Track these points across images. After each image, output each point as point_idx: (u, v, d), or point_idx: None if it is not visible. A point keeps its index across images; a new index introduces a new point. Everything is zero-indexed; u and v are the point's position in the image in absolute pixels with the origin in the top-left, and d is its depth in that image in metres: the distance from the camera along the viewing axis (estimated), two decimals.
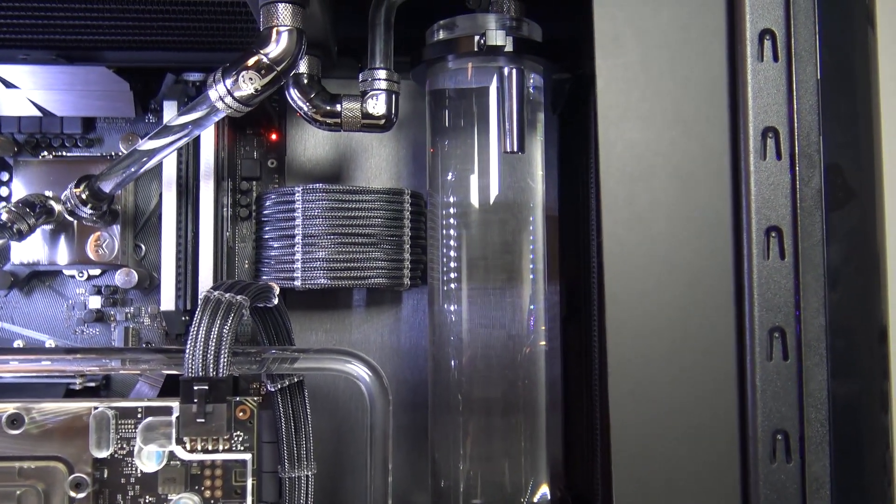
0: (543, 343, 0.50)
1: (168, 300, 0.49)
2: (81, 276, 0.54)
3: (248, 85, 0.39)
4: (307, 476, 0.48)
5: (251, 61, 0.39)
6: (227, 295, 0.41)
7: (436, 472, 0.50)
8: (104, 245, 0.52)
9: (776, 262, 0.34)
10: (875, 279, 0.35)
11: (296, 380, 0.48)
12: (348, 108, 0.44)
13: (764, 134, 0.35)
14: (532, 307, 0.50)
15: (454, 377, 0.49)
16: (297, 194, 0.49)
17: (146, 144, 0.43)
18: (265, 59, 0.39)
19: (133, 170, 0.44)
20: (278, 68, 0.39)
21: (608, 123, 0.36)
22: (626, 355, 0.36)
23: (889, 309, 0.35)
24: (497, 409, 0.49)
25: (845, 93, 0.36)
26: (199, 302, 0.40)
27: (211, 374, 0.38)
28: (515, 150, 0.45)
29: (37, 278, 0.54)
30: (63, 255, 0.51)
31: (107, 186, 0.46)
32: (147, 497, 0.39)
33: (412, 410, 0.56)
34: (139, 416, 0.39)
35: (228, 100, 0.40)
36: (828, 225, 0.35)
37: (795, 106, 0.35)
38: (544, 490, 0.50)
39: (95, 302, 0.54)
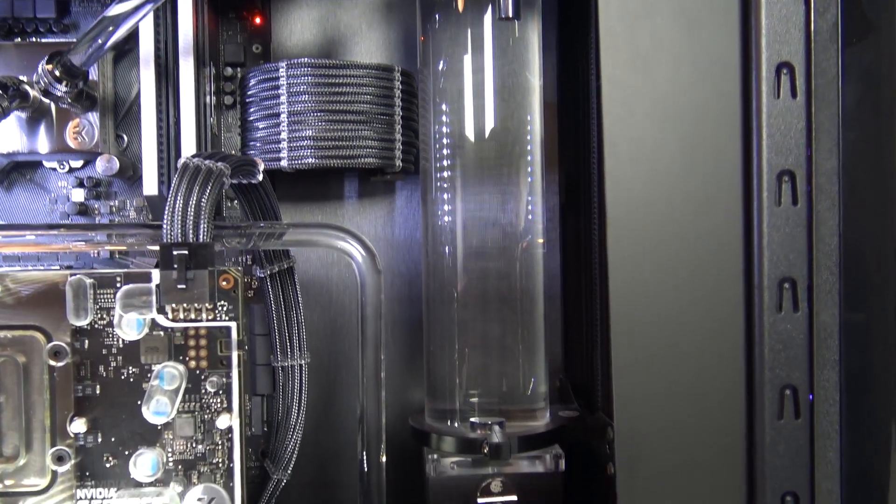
0: (541, 238, 0.48)
1: (151, 185, 0.47)
2: (63, 169, 0.52)
3: None
4: (300, 365, 0.47)
5: None
6: (206, 162, 0.39)
7: (431, 366, 0.49)
8: (83, 132, 0.50)
9: (787, 101, 0.32)
10: (892, 117, 0.33)
11: (286, 266, 0.47)
12: None
13: None
14: (530, 195, 0.48)
15: (449, 269, 0.48)
16: (281, 70, 0.46)
17: (113, 10, 0.41)
18: None
19: (102, 40, 0.42)
20: None
21: None
22: (626, 223, 0.35)
23: None
24: (494, 300, 0.47)
25: None
26: (178, 168, 0.38)
27: (191, 240, 0.36)
28: (511, 15, 0.43)
29: (17, 171, 0.52)
30: (42, 143, 0.49)
31: (78, 60, 0.43)
32: (130, 367, 0.38)
33: (408, 303, 0.54)
34: (118, 284, 0.38)
35: None
36: (843, 60, 0.32)
37: None
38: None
39: (78, 195, 0.52)
